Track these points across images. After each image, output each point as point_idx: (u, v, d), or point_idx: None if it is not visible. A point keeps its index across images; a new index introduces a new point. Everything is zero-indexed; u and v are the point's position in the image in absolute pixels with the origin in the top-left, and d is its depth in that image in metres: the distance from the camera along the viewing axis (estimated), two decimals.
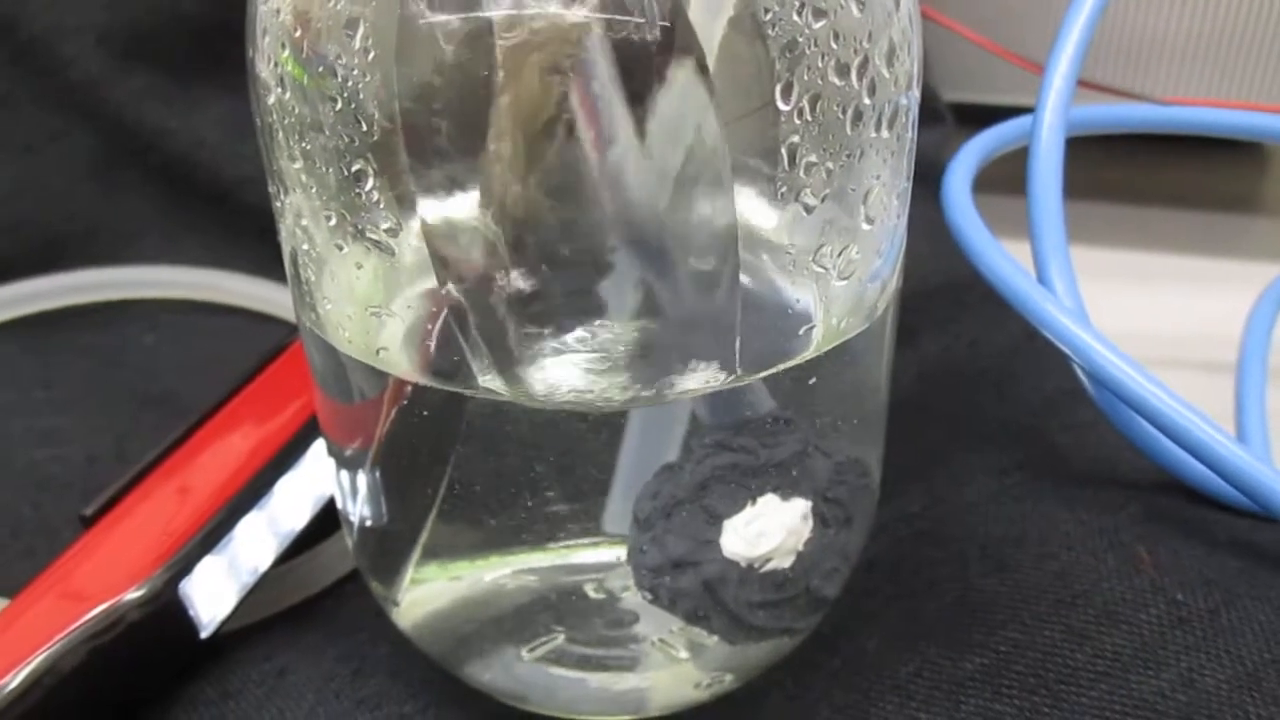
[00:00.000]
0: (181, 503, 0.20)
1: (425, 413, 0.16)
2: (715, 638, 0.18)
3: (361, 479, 0.19)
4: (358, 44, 0.13)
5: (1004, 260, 0.19)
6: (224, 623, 0.20)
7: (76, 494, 0.23)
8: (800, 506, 0.18)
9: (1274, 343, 0.28)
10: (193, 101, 0.30)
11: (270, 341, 0.26)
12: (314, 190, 0.15)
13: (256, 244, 0.31)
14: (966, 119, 0.35)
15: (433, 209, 0.15)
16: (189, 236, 0.31)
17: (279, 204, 0.16)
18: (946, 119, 0.33)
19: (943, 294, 0.27)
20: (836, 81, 0.13)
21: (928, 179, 0.27)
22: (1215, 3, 0.32)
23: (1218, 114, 0.26)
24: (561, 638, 0.18)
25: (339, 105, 0.14)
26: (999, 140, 0.24)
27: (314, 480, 0.21)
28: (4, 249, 0.29)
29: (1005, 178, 0.26)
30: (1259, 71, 0.34)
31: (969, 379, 0.25)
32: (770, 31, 0.13)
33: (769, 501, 0.18)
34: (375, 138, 0.14)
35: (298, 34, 0.14)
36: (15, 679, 0.17)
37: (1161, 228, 0.36)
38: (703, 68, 0.13)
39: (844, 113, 0.14)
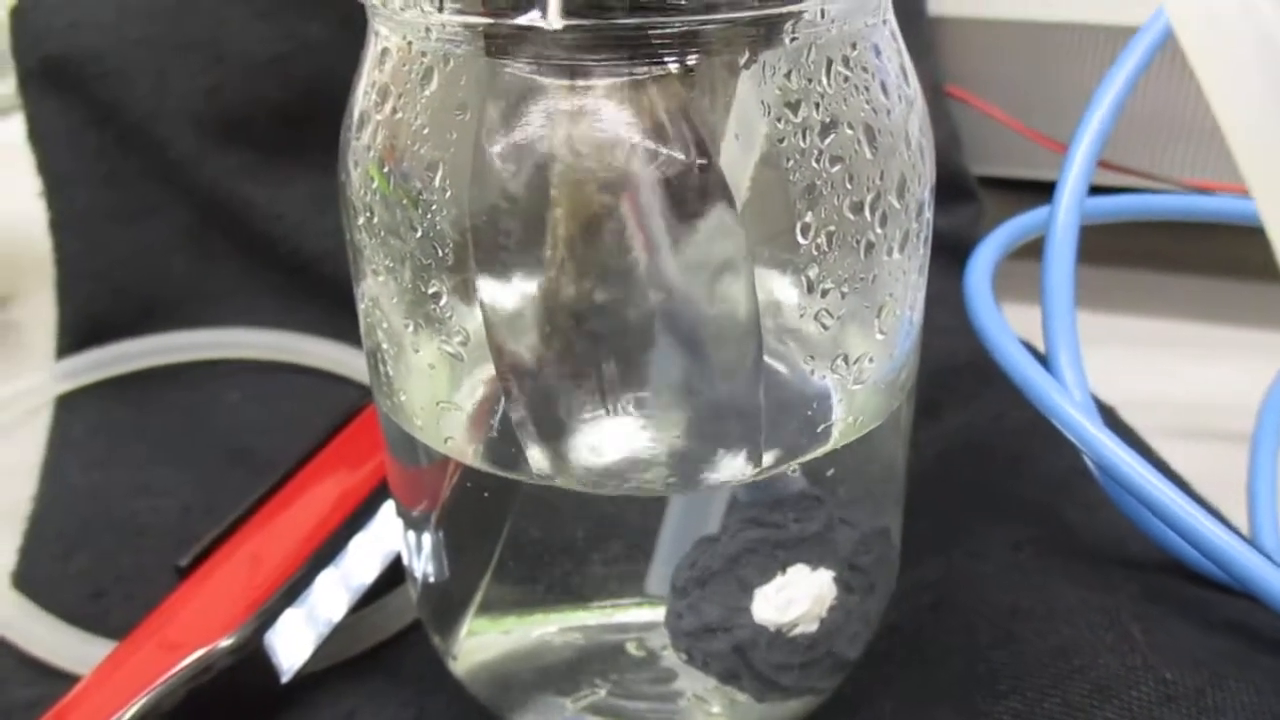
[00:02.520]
0: (266, 558, 0.22)
1: (485, 485, 0.18)
2: (746, 696, 0.20)
3: (426, 539, 0.20)
4: (437, 181, 0.15)
5: (1018, 352, 0.21)
6: (301, 669, 0.22)
7: (170, 542, 0.25)
8: (826, 575, 0.20)
9: None
10: (277, 180, 0.32)
11: (343, 401, 0.28)
12: (395, 301, 0.17)
13: (332, 310, 0.32)
14: (1001, 191, 0.37)
15: (495, 309, 0.17)
16: (271, 302, 0.33)
17: (363, 306, 0.18)
18: (977, 196, 0.35)
19: (969, 370, 0.28)
20: (850, 217, 0.15)
21: (959, 255, 0.29)
22: None
23: (1228, 202, 0.27)
24: (604, 691, 0.20)
25: (419, 233, 0.16)
26: (1020, 231, 0.25)
27: (383, 538, 0.23)
28: (106, 312, 0.32)
29: (1035, 243, 0.28)
30: None
31: (989, 454, 0.26)
32: (791, 177, 0.15)
33: (798, 571, 0.19)
34: (450, 262, 0.16)
35: (385, 169, 0.16)
36: (127, 715, 0.19)
37: (1183, 294, 0.37)
38: (729, 199, 0.15)
39: (858, 244, 0.15)
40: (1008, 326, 0.22)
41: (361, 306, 0.18)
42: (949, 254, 0.30)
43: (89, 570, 0.25)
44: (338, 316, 0.32)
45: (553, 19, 0.13)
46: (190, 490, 0.27)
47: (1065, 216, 0.22)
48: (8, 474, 0.29)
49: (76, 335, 0.32)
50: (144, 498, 0.27)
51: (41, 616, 0.23)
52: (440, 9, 0.14)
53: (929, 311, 0.31)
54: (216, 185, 0.32)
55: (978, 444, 0.26)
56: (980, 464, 0.25)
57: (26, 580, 0.25)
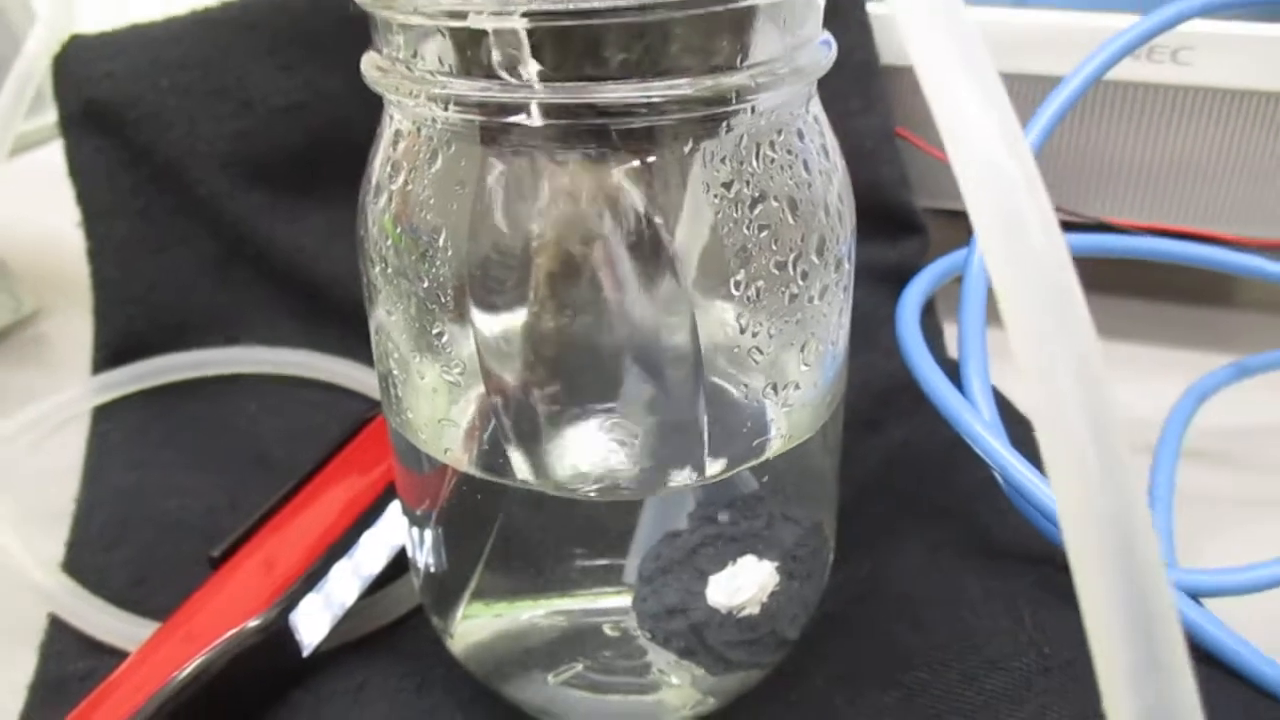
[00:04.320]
0: (288, 550, 0.25)
1: (477, 489, 0.21)
2: (702, 670, 0.23)
3: (427, 535, 0.23)
4: (440, 241, 0.18)
5: (938, 378, 0.24)
6: (319, 646, 0.25)
7: (201, 537, 0.28)
8: (770, 565, 0.23)
9: (1194, 426, 0.33)
10: (295, 215, 0.35)
11: (353, 412, 0.31)
12: (403, 335, 0.20)
13: (342, 330, 0.35)
14: (950, 221, 0.40)
15: (487, 340, 0.20)
16: (288, 323, 0.36)
17: (377, 339, 0.21)
18: (924, 229, 0.38)
19: (908, 390, 0.31)
20: (776, 273, 0.18)
21: (905, 283, 0.32)
22: (1153, 132, 0.37)
23: (1132, 240, 0.31)
24: (581, 667, 0.23)
25: (425, 282, 0.19)
26: (942, 271, 0.29)
27: (389, 534, 0.26)
28: (138, 331, 0.34)
29: None
30: (1192, 194, 0.38)
31: (921, 465, 0.29)
32: (726, 241, 0.18)
33: (746, 561, 0.23)
34: (450, 305, 0.19)
35: (398, 229, 0.19)
36: (170, 684, 0.22)
37: (1101, 314, 0.40)
38: (670, 257, 0.18)
39: (783, 294, 0.18)
40: (929, 356, 0.25)
41: (375, 338, 0.21)
42: (896, 282, 0.34)
43: (130, 560, 0.28)
44: (348, 336, 0.35)
45: (535, 119, 0.16)
46: (217, 491, 0.30)
47: (979, 259, 0.25)
48: (51, 475, 0.32)
49: (111, 352, 0.35)
50: (176, 498, 0.30)
51: (91, 599, 0.26)
52: (445, 108, 0.17)
53: (878, 335, 0.34)
54: (240, 219, 0.34)
55: (912, 456, 0.29)
56: (912, 473, 0.28)
57: (75, 569, 0.28)
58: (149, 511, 0.30)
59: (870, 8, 0.37)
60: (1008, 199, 0.11)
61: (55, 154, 0.36)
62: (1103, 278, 0.40)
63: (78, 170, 0.34)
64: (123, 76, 0.34)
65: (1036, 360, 0.10)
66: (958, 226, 0.35)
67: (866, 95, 0.37)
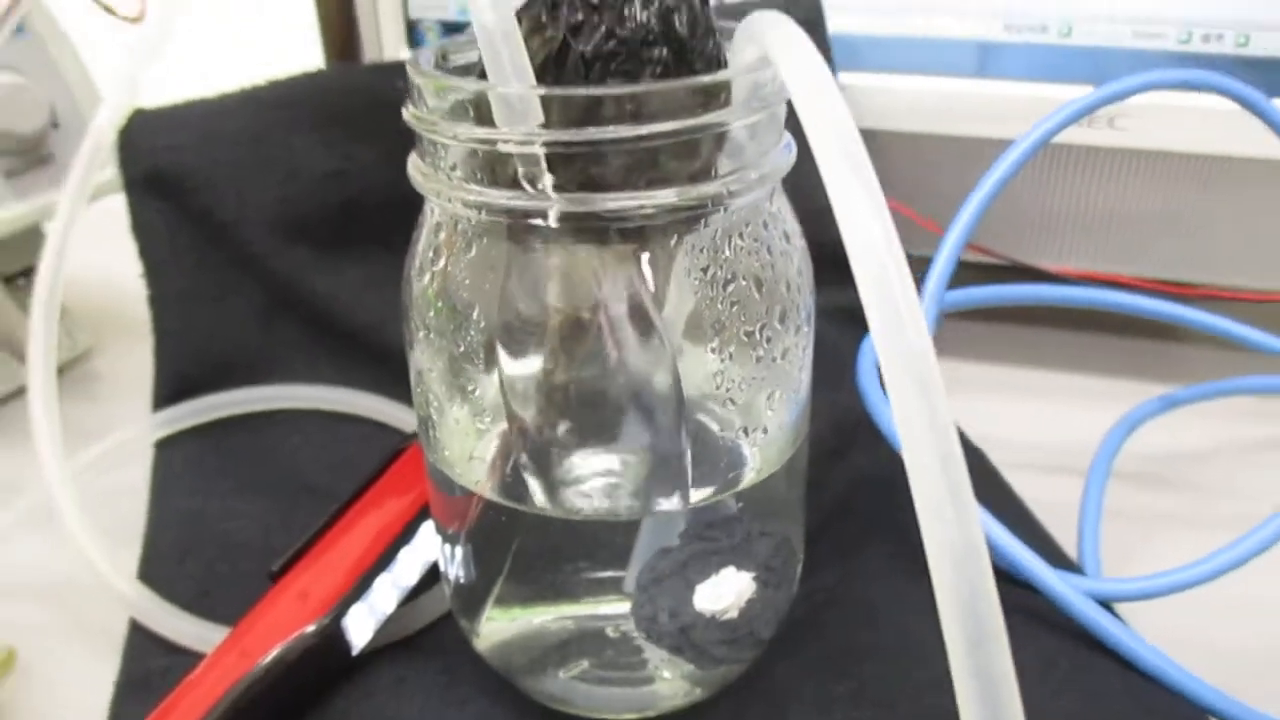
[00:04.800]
0: (336, 566, 0.29)
1: (500, 512, 0.25)
2: (690, 665, 0.27)
3: (457, 551, 0.27)
4: (474, 314, 0.23)
5: (888, 417, 0.28)
6: (365, 646, 0.29)
7: (256, 555, 0.31)
8: (747, 575, 0.27)
9: (1128, 451, 0.36)
10: (333, 269, 0.39)
11: (384, 444, 0.34)
12: (441, 389, 0.24)
13: (374, 370, 0.39)
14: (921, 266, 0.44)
15: (511, 388, 0.24)
16: (326, 364, 0.39)
17: (417, 388, 0.25)
18: None
19: (870, 425, 0.35)
20: (744, 339, 0.22)
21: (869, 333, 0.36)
22: (1091, 189, 0.41)
23: (1059, 290, 0.35)
24: (587, 663, 0.27)
25: (461, 347, 0.23)
26: None
27: (423, 551, 0.30)
28: (195, 372, 0.38)
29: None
30: (1125, 243, 0.42)
31: (880, 489, 0.33)
32: (704, 313, 0.22)
33: (727, 573, 0.27)
34: (480, 363, 0.23)
35: (439, 303, 0.23)
36: (244, 680, 0.26)
37: (1049, 346, 0.44)
38: (657, 325, 0.22)
39: (751, 355, 0.23)
40: (885, 400, 0.29)
41: (415, 388, 0.25)
42: (862, 323, 0.38)
43: (196, 574, 0.32)
44: (379, 376, 0.39)
45: (551, 220, 0.21)
46: (268, 514, 0.34)
47: (924, 312, 0.30)
48: (119, 495, 0.36)
49: (169, 390, 0.39)
50: (233, 520, 0.34)
51: (167, 606, 0.30)
52: (479, 211, 0.21)
53: (844, 375, 0.38)
54: (285, 273, 0.38)
55: (873, 480, 0.33)
56: (872, 496, 0.32)
57: (149, 580, 0.31)
58: (210, 532, 0.33)
59: (840, 78, 0.42)
60: (883, 285, 0.15)
61: (104, 204, 0.40)
62: (1051, 312, 0.44)
63: (140, 229, 0.38)
64: (182, 147, 0.38)
65: (900, 412, 0.14)
66: (918, 266, 0.39)
67: None
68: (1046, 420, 0.39)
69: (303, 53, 0.49)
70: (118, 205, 0.40)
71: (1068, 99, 0.36)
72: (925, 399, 0.15)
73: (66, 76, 0.44)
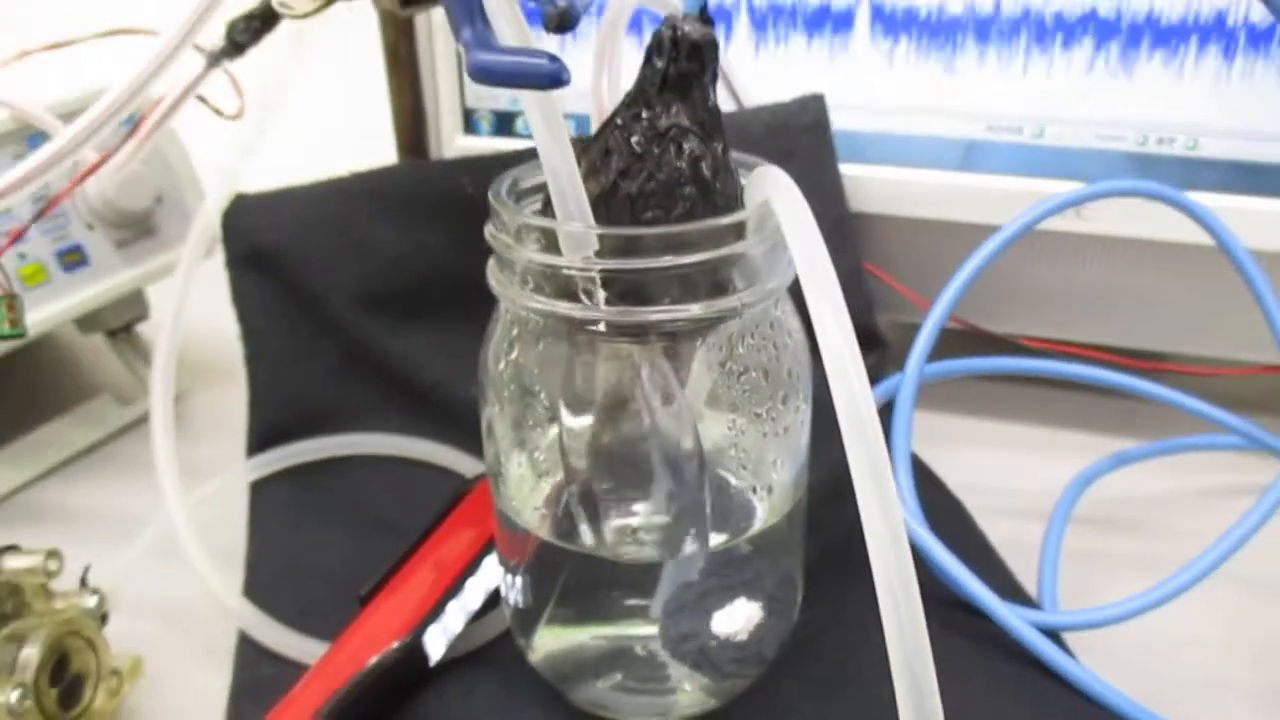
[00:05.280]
0: (415, 592, 0.35)
1: (553, 548, 0.31)
2: (706, 678, 0.32)
3: (517, 579, 0.33)
4: (542, 396, 0.28)
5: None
6: (440, 659, 0.34)
7: (343, 581, 0.36)
8: (756, 605, 0.32)
9: (1089, 497, 0.42)
10: (404, 335, 0.44)
11: (448, 486, 0.40)
12: (510, 450, 0.30)
13: (439, 423, 0.44)
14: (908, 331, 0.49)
15: (569, 447, 0.29)
16: (395, 416, 0.45)
17: (490, 449, 0.31)
18: (885, 344, 0.47)
19: None
20: (754, 418, 0.28)
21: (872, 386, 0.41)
22: (1060, 269, 0.46)
23: (1027, 361, 0.40)
24: (620, 676, 0.32)
25: (529, 421, 0.28)
26: (882, 393, 0.38)
27: (486, 579, 0.36)
28: (283, 422, 0.44)
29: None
30: (1093, 317, 0.47)
31: None
32: (720, 397, 0.28)
33: (739, 602, 0.32)
34: (544, 433, 0.28)
35: (512, 386, 0.29)
36: (344, 687, 0.31)
37: (1023, 401, 0.49)
38: (686, 409, 0.28)
39: (759, 430, 0.28)
40: None
41: (487, 448, 0.31)
42: None
43: (294, 598, 0.37)
44: (442, 427, 0.44)
45: (602, 327, 0.26)
46: (350, 546, 0.40)
47: (908, 383, 0.35)
48: (222, 526, 0.41)
49: (262, 438, 0.44)
50: (321, 551, 0.40)
51: (272, 623, 0.36)
52: (546, 318, 0.27)
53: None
54: (363, 338, 0.44)
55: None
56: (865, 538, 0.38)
57: (254, 602, 0.37)
58: (303, 562, 0.39)
59: (842, 169, 0.47)
60: (850, 393, 0.20)
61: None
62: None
63: (239, 298, 0.44)
64: (276, 229, 0.44)
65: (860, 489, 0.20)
66: (907, 332, 0.44)
67: (839, 238, 0.46)
68: (1017, 470, 0.44)
69: (379, 145, 0.55)
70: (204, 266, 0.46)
71: (1040, 191, 0.42)
72: (869, 455, 0.20)
73: (170, 161, 0.50)
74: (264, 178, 0.45)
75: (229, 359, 0.47)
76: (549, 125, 0.25)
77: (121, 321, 0.53)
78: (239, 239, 0.44)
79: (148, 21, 0.43)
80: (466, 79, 0.53)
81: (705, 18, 0.28)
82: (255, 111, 0.42)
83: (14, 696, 0.29)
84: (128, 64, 0.51)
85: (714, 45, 0.27)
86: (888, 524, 0.20)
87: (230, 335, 0.46)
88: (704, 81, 0.27)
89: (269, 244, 0.44)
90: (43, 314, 0.45)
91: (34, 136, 0.46)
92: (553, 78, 0.24)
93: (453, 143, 0.53)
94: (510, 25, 0.26)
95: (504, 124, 0.53)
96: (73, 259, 0.47)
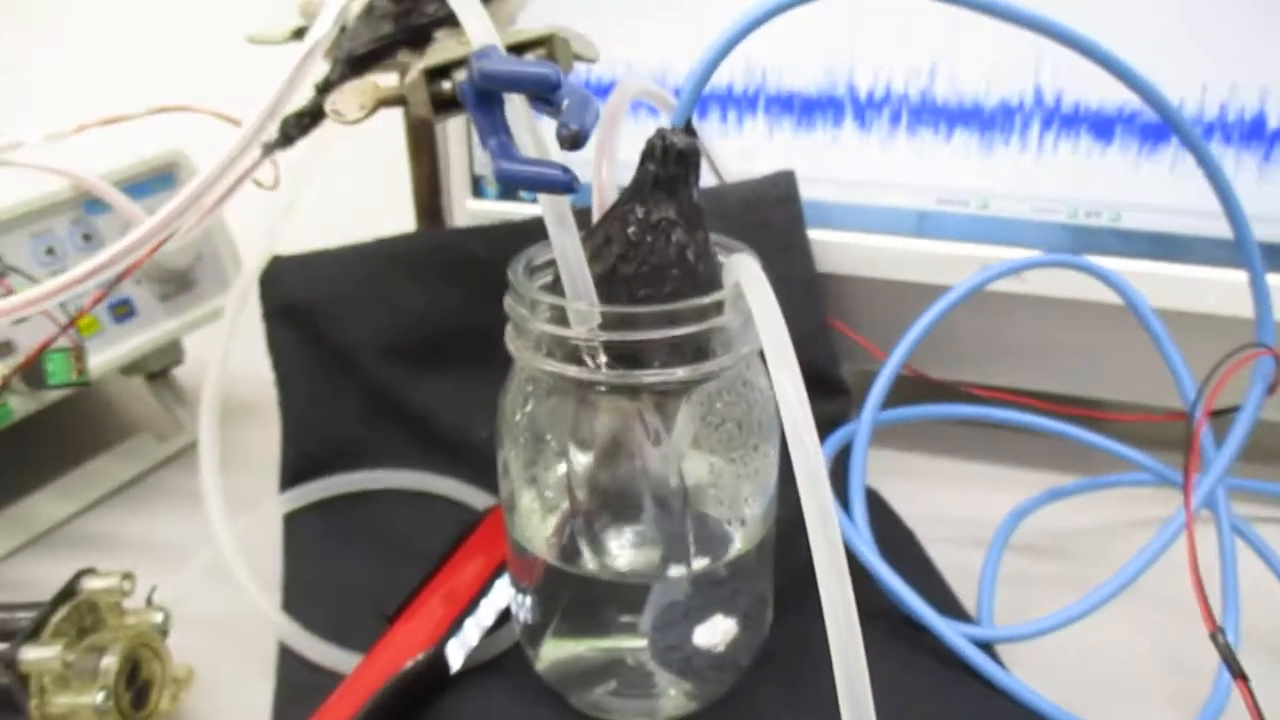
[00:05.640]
0: (436, 610, 0.40)
1: (558, 571, 0.36)
2: (689, 685, 0.37)
3: (526, 598, 0.38)
4: (552, 443, 0.33)
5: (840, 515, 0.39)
6: (459, 669, 0.39)
7: (370, 601, 0.40)
8: (732, 620, 0.37)
9: (1026, 526, 0.47)
10: (422, 382, 0.49)
11: (460, 517, 0.45)
12: (523, 487, 0.35)
13: (452, 462, 0.49)
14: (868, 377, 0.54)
15: (574, 484, 0.34)
16: (414, 454, 0.49)
17: (505, 486, 0.36)
18: (848, 390, 0.52)
19: None
20: (730, 462, 0.33)
21: (836, 427, 0.47)
22: (998, 324, 0.52)
23: (968, 408, 0.46)
24: (614, 683, 0.37)
25: (539, 463, 0.34)
26: (840, 439, 0.44)
27: (498, 599, 0.40)
28: (312, 459, 0.48)
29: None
30: (1031, 365, 0.53)
31: None
32: (701, 444, 0.33)
33: (717, 618, 0.37)
34: (553, 473, 0.34)
35: (527, 434, 0.34)
36: (377, 693, 0.36)
37: (970, 439, 0.54)
38: (670, 443, 0.33)
39: (734, 472, 0.33)
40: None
41: (502, 485, 0.36)
42: (830, 425, 0.48)
43: (327, 616, 0.42)
44: (456, 465, 0.49)
45: (603, 386, 0.31)
46: (374, 570, 0.44)
47: (863, 428, 0.40)
48: (258, 553, 0.46)
49: (293, 473, 0.49)
50: (350, 575, 0.44)
51: (311, 637, 0.40)
52: (555, 377, 0.32)
53: None
54: (385, 384, 0.49)
55: None
56: None
57: (292, 619, 0.42)
58: (334, 584, 0.44)
59: (811, 234, 0.53)
60: (804, 451, 0.25)
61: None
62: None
63: (274, 348, 0.49)
64: (309, 288, 0.49)
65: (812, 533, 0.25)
66: (865, 379, 0.49)
67: (808, 296, 0.52)
68: (963, 503, 0.49)
69: (399, 210, 0.61)
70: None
71: (985, 257, 0.48)
72: (818, 499, 0.25)
73: (209, 224, 0.55)
74: (297, 241, 0.50)
75: (251, 400, 0.51)
76: (560, 221, 0.31)
77: (160, 366, 0.57)
78: (275, 296, 0.49)
79: (188, 97, 0.49)
80: (475, 147, 0.58)
81: (689, 130, 0.33)
82: (290, 182, 0.47)
83: (99, 698, 0.33)
84: (171, 135, 0.57)
85: (696, 153, 0.32)
86: (833, 559, 0.25)
87: (253, 377, 0.50)
88: (688, 181, 0.32)
89: (302, 301, 0.49)
90: (97, 361, 0.49)
91: (91, 203, 0.51)
92: (566, 186, 0.29)
93: (463, 205, 0.59)
94: (529, 136, 0.31)
95: (508, 189, 0.58)
96: (123, 311, 0.52)
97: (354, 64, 0.38)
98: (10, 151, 0.49)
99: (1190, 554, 0.31)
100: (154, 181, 0.54)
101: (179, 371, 0.59)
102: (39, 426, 0.46)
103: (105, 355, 0.50)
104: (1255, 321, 0.38)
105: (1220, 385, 0.34)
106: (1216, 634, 0.30)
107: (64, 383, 0.43)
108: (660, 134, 0.32)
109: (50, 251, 0.49)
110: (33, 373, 0.43)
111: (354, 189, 0.63)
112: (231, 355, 0.45)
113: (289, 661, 0.40)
